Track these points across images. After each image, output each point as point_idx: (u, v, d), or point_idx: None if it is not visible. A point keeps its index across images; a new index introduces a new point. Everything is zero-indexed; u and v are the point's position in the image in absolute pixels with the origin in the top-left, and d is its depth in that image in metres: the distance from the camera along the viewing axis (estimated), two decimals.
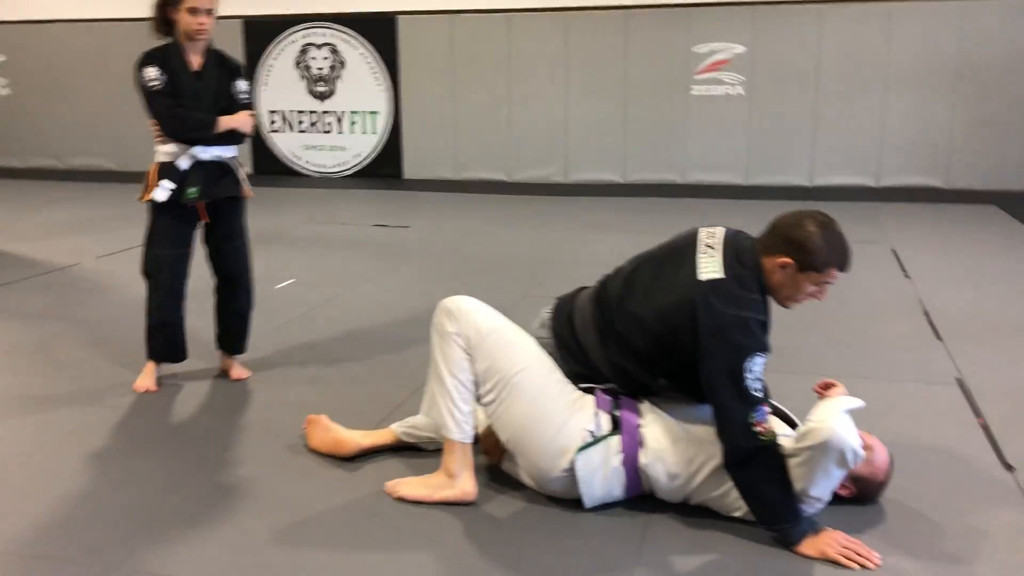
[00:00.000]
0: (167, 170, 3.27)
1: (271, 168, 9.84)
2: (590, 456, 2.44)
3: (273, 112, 9.77)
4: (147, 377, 3.45)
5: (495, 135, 9.23)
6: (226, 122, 3.27)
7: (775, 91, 8.51)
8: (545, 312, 2.75)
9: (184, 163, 3.27)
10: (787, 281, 2.39)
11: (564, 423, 2.47)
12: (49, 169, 10.34)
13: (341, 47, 9.47)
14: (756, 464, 2.27)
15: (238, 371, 3.57)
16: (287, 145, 9.82)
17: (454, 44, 9.17)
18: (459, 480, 2.53)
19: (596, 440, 2.45)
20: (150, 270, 3.37)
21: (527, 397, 2.49)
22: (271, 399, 3.37)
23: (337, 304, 4.69)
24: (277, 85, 9.69)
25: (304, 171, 9.83)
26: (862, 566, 2.21)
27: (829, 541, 2.26)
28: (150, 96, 3.20)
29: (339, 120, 9.62)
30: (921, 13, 8.10)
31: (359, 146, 9.62)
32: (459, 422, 2.52)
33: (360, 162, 9.66)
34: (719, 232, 2.52)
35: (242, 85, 3.36)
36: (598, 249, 5.81)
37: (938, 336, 4.04)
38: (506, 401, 2.50)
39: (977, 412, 3.17)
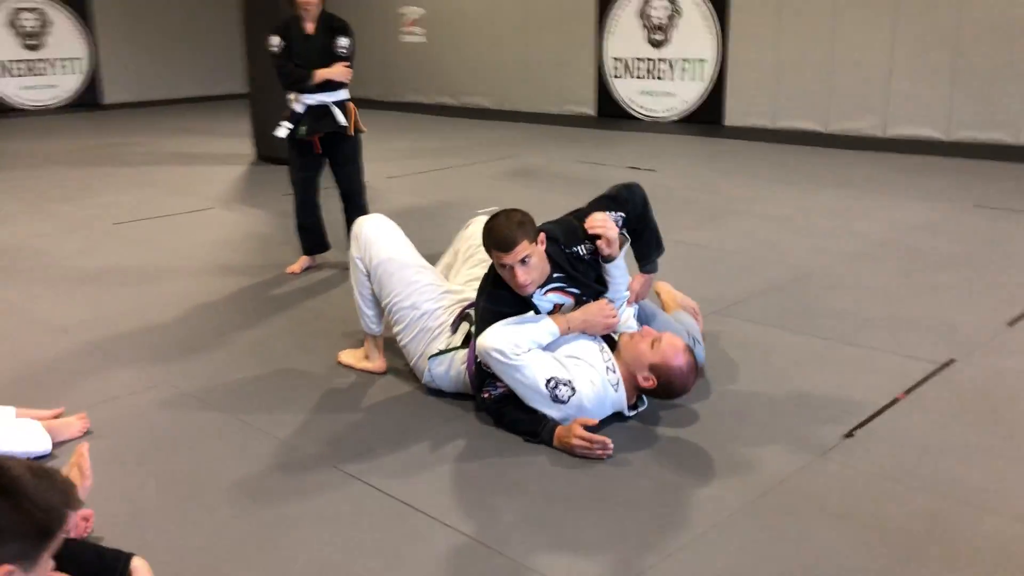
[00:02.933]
0: (290, 113, 4.40)
1: (611, 111, 10.74)
2: (440, 360, 3.16)
3: (616, 59, 10.61)
4: (296, 264, 4.70)
5: (815, 84, 9.07)
6: (320, 74, 4.29)
7: None
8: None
9: (298, 107, 4.38)
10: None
11: (427, 348, 3.21)
12: (446, 105, 12.38)
13: None
14: (488, 408, 2.96)
15: None
16: (625, 90, 10.62)
17: None
18: (371, 357, 3.45)
19: (445, 351, 3.15)
20: (292, 186, 4.58)
21: (404, 322, 3.26)
22: None
23: None
24: (621, 34, 10.49)
25: (638, 115, 10.56)
26: (590, 451, 2.68)
27: (566, 433, 2.73)
28: (271, 58, 4.33)
29: (671, 67, 10.16)
30: None
31: (686, 93, 10.08)
32: (368, 321, 3.41)
33: (686, 108, 10.12)
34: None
35: (342, 42, 4.31)
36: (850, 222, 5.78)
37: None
38: (395, 320, 3.30)
39: (903, 388, 3.11)
